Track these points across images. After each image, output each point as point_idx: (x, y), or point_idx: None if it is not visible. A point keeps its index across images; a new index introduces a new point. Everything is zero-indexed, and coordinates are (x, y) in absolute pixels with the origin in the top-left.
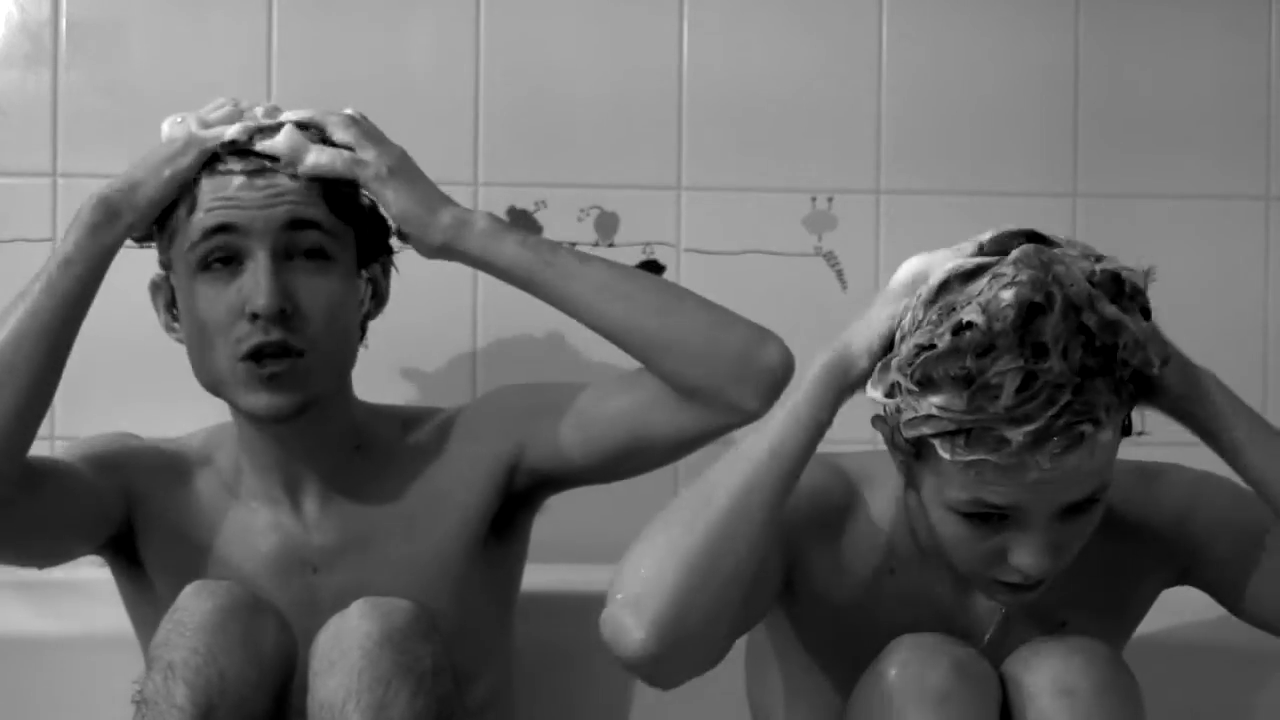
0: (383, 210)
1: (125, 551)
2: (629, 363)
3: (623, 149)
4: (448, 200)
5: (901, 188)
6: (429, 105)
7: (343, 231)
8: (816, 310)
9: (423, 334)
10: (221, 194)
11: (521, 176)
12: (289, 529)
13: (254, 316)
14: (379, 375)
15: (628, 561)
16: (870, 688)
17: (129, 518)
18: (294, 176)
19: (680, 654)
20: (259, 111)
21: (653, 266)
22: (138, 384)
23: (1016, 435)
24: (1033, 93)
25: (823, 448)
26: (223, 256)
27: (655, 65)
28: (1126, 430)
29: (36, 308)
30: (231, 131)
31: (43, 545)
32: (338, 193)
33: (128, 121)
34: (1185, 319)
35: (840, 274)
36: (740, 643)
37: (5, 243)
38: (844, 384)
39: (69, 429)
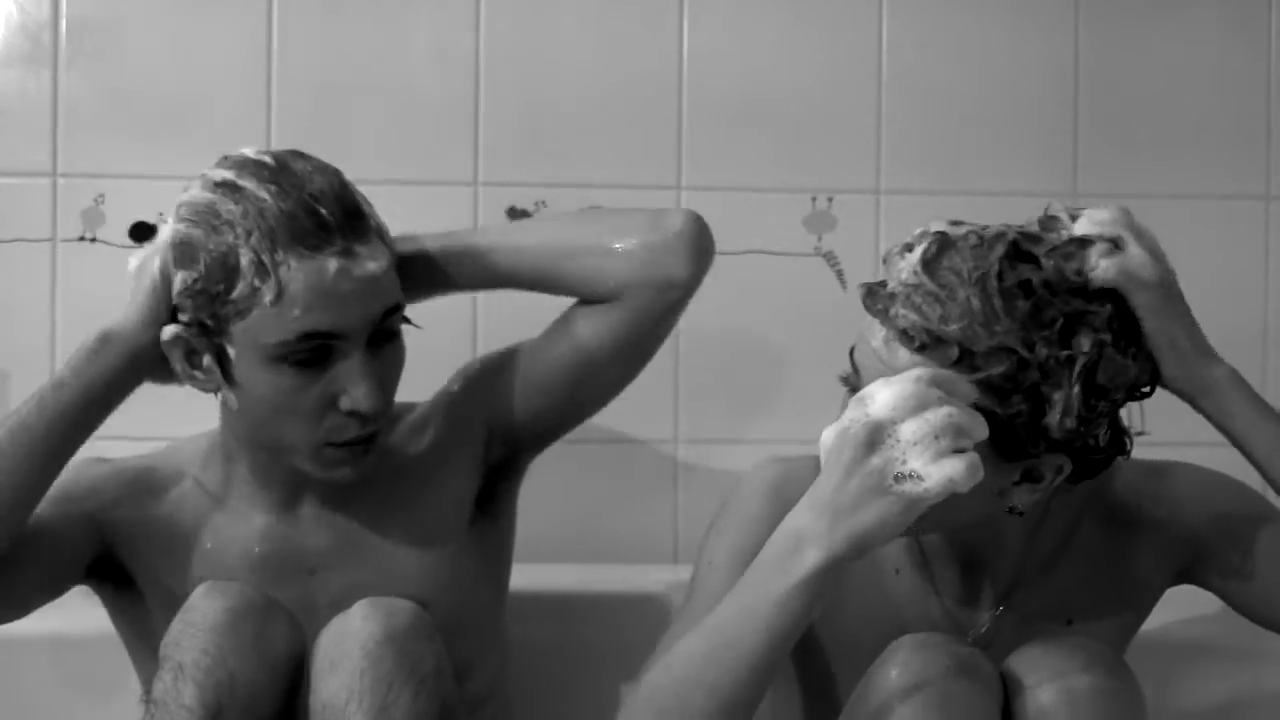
0: None
1: (111, 576)
2: None
3: (623, 149)
4: None
5: (901, 188)
6: (429, 105)
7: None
8: (816, 310)
9: (423, 334)
10: (319, 288)
11: (521, 176)
12: (283, 533)
13: (351, 413)
14: None
15: None
16: (872, 688)
17: (107, 544)
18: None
19: None
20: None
21: None
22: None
23: None
24: (1033, 93)
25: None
26: (315, 352)
27: (655, 65)
28: (1029, 477)
29: (24, 424)
30: None
31: (16, 602)
32: (395, 254)
33: (128, 121)
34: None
35: (840, 274)
36: None
37: (5, 243)
38: (843, 574)
39: None
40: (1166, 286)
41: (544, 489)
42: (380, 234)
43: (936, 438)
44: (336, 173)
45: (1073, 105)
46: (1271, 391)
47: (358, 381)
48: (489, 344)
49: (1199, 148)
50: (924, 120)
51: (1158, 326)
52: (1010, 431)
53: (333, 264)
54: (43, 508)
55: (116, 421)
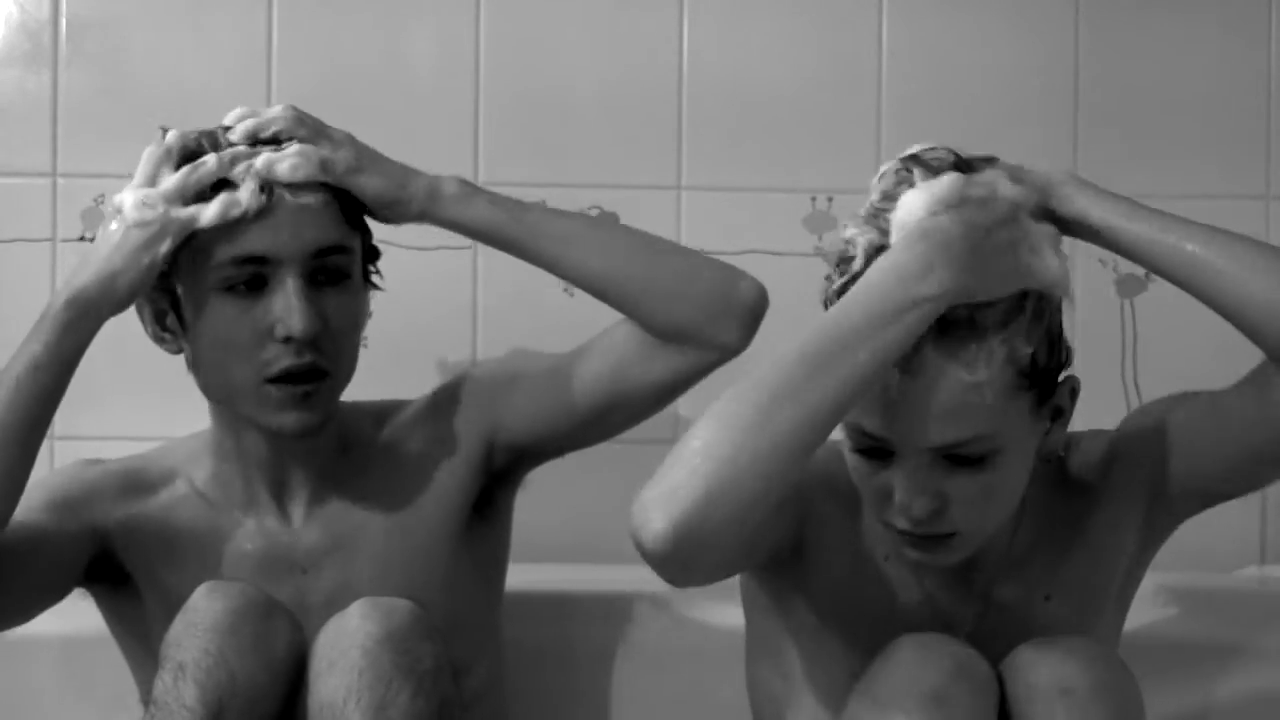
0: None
1: (108, 576)
2: None
3: (623, 149)
4: (413, 171)
5: None
6: (429, 105)
7: (355, 244)
8: (816, 310)
9: (423, 333)
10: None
11: (521, 176)
12: (275, 533)
13: (286, 340)
14: (379, 374)
15: (679, 447)
16: (869, 687)
17: (104, 547)
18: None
19: (698, 556)
20: (211, 161)
21: None
22: (138, 383)
23: None
24: (1033, 93)
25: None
26: (249, 280)
27: (655, 65)
28: (1056, 415)
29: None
30: (209, 216)
31: (16, 608)
32: (350, 205)
33: (128, 121)
34: (1185, 319)
35: None
36: (738, 638)
37: (5, 243)
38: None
39: (69, 429)
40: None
41: (543, 489)
42: (322, 182)
43: (1050, 236)
44: (263, 129)
45: (1073, 105)
46: None
47: (289, 306)
48: (489, 342)
49: (1199, 147)
50: (924, 120)
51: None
52: (1046, 372)
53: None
54: (39, 514)
55: (114, 422)
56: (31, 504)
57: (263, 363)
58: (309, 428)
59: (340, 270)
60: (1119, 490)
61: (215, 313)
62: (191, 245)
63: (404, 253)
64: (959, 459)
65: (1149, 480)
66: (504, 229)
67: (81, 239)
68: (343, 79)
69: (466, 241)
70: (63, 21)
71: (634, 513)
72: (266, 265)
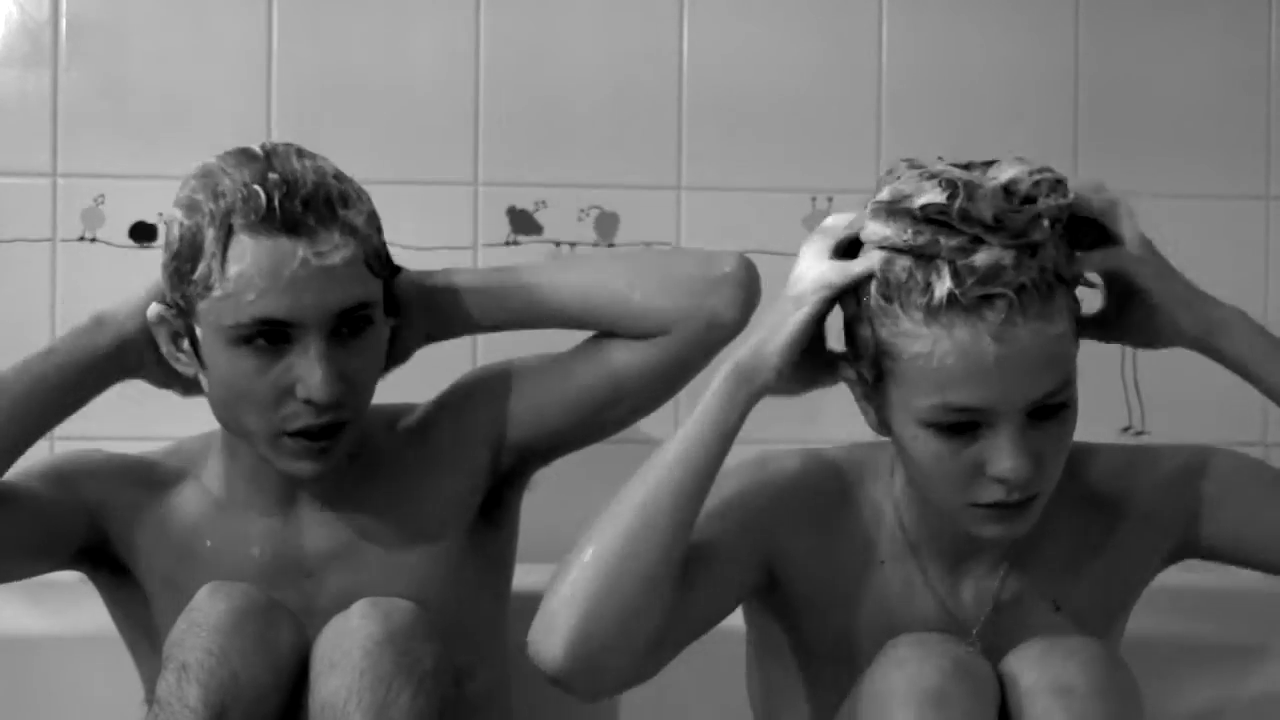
0: None
1: (106, 563)
2: None
3: (623, 149)
4: None
5: None
6: (429, 105)
7: (378, 293)
8: None
9: None
10: (274, 271)
11: (521, 176)
12: (282, 535)
13: (306, 401)
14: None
15: (552, 581)
16: (868, 687)
17: (100, 529)
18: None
19: (596, 667)
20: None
21: None
22: (138, 383)
23: (974, 258)
24: (1033, 93)
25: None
26: (269, 336)
27: (655, 65)
28: (1079, 328)
29: (4, 382)
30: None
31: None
32: (375, 251)
33: (128, 121)
34: None
35: None
36: (738, 638)
37: (5, 243)
38: (754, 387)
39: (69, 429)
40: (1154, 251)
41: (545, 489)
42: (352, 230)
43: (807, 253)
44: (325, 167)
45: (1073, 105)
46: None
47: (312, 371)
48: (490, 345)
49: (1199, 148)
50: (924, 120)
51: (1163, 288)
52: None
53: (287, 246)
54: (34, 480)
55: (116, 422)
56: (31, 471)
57: (281, 418)
58: (322, 475)
59: (363, 323)
60: (1149, 521)
61: (234, 363)
62: (211, 296)
63: (404, 254)
64: (1044, 412)
65: (1190, 531)
66: (489, 278)
67: (81, 239)
68: (343, 79)
69: (467, 241)
70: (63, 21)
71: (529, 644)
72: (289, 327)
